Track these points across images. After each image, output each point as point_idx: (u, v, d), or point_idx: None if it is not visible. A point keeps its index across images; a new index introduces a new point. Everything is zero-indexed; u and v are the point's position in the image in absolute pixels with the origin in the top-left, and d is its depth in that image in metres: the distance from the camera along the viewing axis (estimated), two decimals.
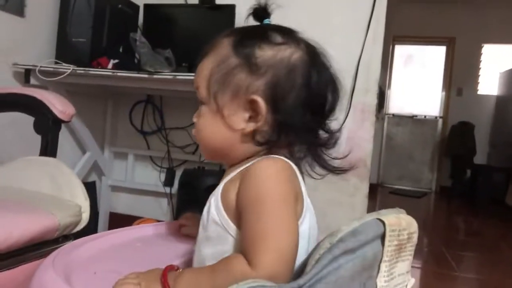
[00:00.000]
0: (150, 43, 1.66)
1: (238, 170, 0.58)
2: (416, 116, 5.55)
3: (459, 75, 5.33)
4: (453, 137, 4.98)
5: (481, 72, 5.35)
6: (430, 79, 5.57)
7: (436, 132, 5.49)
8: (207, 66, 0.60)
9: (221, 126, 0.59)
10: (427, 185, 5.45)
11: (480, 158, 5.01)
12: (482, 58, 5.33)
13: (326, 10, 1.90)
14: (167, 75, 1.61)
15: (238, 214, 0.53)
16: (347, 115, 1.84)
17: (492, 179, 4.31)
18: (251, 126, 0.58)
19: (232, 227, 0.55)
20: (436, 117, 5.51)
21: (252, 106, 0.57)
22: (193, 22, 1.92)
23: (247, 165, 0.57)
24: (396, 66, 5.63)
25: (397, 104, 5.62)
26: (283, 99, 0.56)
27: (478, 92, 5.35)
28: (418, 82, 5.61)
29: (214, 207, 0.57)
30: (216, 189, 0.59)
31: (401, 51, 5.62)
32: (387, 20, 1.87)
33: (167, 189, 2.06)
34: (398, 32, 4.88)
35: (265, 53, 0.57)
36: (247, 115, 0.58)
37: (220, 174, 2.03)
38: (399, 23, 4.56)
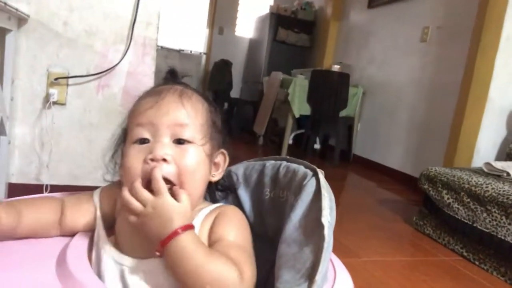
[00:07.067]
0: None
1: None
2: (183, 50, 5.81)
3: (221, 16, 5.81)
4: (215, 73, 5.50)
5: (239, 15, 5.97)
6: (195, 16, 5.85)
7: (200, 67, 5.92)
8: (197, 110, 0.62)
9: (208, 170, 0.63)
10: None
11: (235, 92, 5.76)
12: (241, 1, 5.93)
13: None
14: None
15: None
16: (127, 49, 1.81)
17: (244, 111, 5.07)
18: (219, 175, 0.67)
19: None
20: (200, 53, 5.90)
21: (218, 159, 0.66)
22: None
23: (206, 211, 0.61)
24: (164, 1, 5.64)
25: (165, 37, 5.71)
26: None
27: (236, 33, 6.00)
28: (185, 18, 5.81)
29: None
30: None
31: None
32: None
33: None
34: None
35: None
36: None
37: None
38: None
